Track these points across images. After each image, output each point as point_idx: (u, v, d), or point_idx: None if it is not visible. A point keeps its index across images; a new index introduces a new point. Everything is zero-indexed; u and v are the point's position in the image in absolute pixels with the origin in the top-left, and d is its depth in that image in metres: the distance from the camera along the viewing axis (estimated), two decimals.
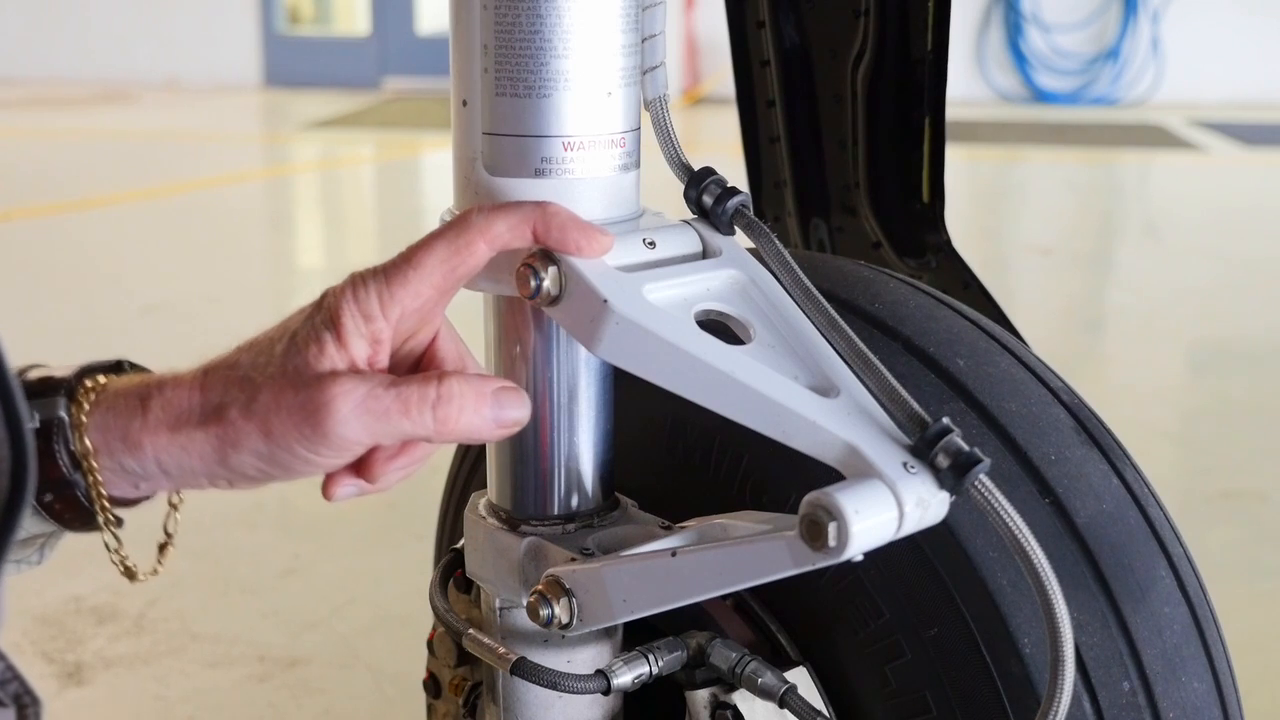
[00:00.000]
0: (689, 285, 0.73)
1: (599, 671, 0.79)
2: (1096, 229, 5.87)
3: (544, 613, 0.76)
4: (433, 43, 10.81)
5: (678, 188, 0.77)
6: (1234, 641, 0.86)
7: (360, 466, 0.72)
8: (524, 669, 0.79)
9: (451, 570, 0.90)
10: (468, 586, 0.89)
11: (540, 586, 0.76)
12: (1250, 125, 8.69)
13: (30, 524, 0.69)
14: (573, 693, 0.80)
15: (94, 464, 0.67)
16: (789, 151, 1.36)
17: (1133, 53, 10.08)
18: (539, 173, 0.73)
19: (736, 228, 0.77)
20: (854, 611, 0.82)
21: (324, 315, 0.68)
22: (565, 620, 0.75)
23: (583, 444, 0.80)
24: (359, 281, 0.69)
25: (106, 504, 0.69)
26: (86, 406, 0.67)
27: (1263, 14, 9.77)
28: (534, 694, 0.84)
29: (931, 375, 0.84)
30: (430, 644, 0.95)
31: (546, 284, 0.70)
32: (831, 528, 0.61)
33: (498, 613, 0.84)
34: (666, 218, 0.78)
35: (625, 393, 0.82)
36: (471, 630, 0.84)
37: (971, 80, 10.09)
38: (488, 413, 0.69)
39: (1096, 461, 0.83)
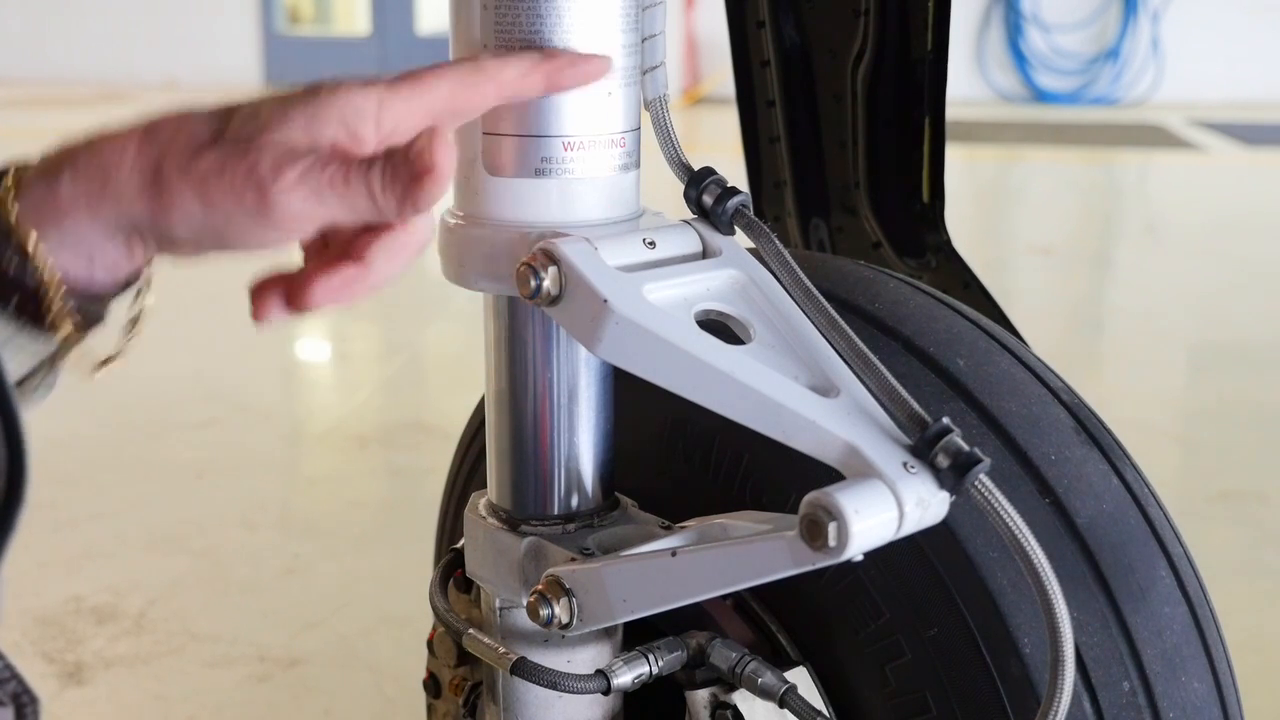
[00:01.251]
0: (689, 285, 0.73)
1: (599, 671, 0.79)
2: (1096, 229, 5.87)
3: (544, 613, 0.76)
4: (433, 43, 10.80)
5: (678, 188, 0.77)
6: (1234, 641, 0.86)
7: (290, 293, 0.69)
8: (524, 669, 0.79)
9: (451, 570, 0.90)
10: (468, 586, 0.89)
11: (540, 586, 0.76)
12: (1250, 125, 8.70)
13: (26, 342, 0.66)
14: (573, 693, 0.80)
15: (37, 247, 0.64)
16: (789, 151, 1.36)
17: (1133, 53, 10.08)
18: (539, 173, 0.73)
19: (736, 228, 0.77)
20: (854, 611, 0.82)
21: (308, 96, 0.65)
22: (565, 620, 0.75)
23: (583, 444, 0.80)
24: (361, 82, 0.66)
25: (56, 291, 0.65)
26: (14, 192, 0.64)
27: (1263, 14, 9.78)
28: (534, 694, 0.84)
29: (931, 375, 0.84)
30: (430, 644, 0.95)
31: (546, 284, 0.70)
32: (831, 528, 0.61)
33: (498, 613, 0.84)
34: (666, 218, 0.78)
35: (625, 393, 0.82)
36: (471, 630, 0.84)
37: (971, 80, 10.09)
38: (407, 172, 0.65)
39: (1096, 461, 0.83)
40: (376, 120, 0.66)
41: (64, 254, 0.65)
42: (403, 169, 0.64)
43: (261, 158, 0.63)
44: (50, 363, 0.68)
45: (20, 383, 0.68)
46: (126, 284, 0.69)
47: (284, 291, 0.69)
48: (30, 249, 0.64)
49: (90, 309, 0.67)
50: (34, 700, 0.59)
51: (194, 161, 0.63)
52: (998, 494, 0.63)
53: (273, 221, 0.64)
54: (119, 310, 0.71)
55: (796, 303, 0.72)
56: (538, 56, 0.70)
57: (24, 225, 0.64)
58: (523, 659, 0.79)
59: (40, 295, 0.65)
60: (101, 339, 0.69)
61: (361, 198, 0.64)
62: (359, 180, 0.64)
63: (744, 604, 0.87)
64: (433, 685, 0.96)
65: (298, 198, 0.63)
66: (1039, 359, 0.89)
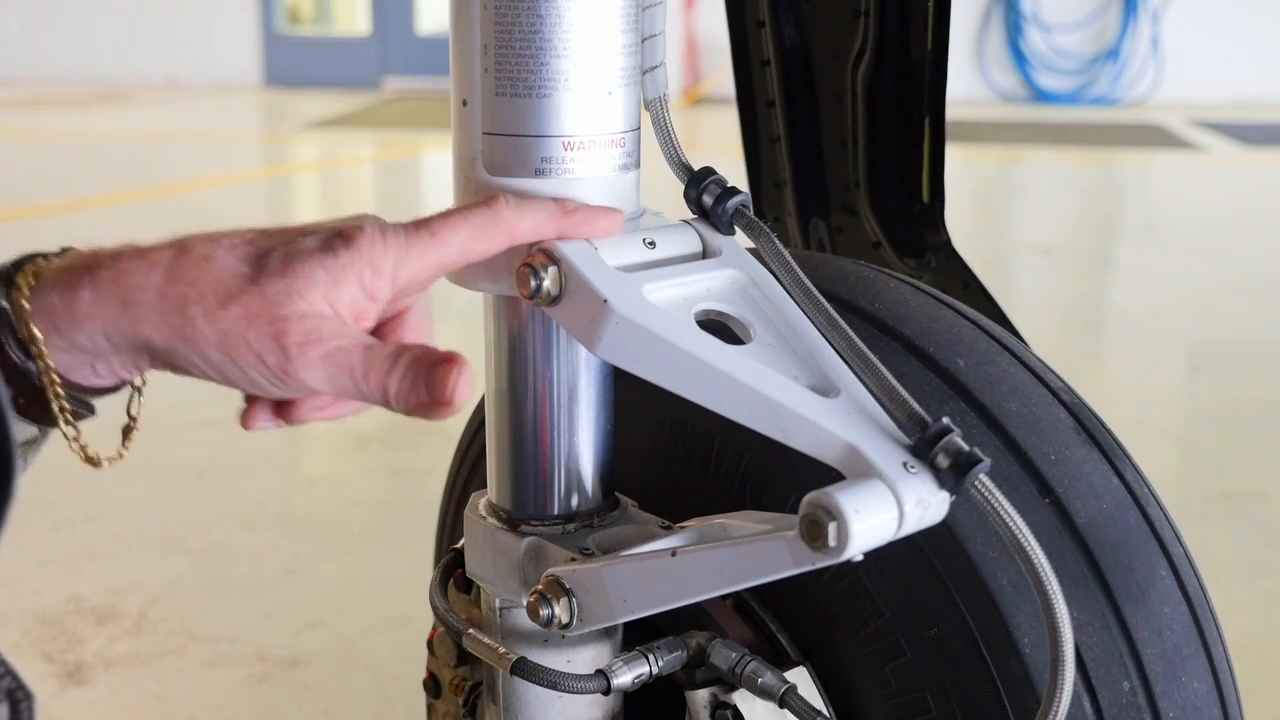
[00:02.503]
0: (689, 285, 0.73)
1: (599, 671, 0.79)
2: (1096, 229, 5.87)
3: (544, 613, 0.76)
4: (433, 43, 10.81)
5: (678, 188, 0.77)
6: (1234, 641, 0.86)
7: (281, 407, 0.71)
8: (524, 669, 0.79)
9: (451, 570, 0.90)
10: (468, 586, 0.89)
11: (540, 586, 0.76)
12: (1250, 125, 8.70)
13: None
14: (573, 693, 0.80)
15: (42, 349, 0.65)
16: (789, 151, 1.36)
17: (1133, 53, 10.09)
18: (539, 173, 0.73)
19: (736, 228, 0.77)
20: (854, 611, 0.82)
21: (330, 248, 0.66)
22: (565, 620, 0.75)
23: (583, 444, 0.80)
24: (381, 231, 0.67)
25: (59, 389, 0.66)
26: (27, 291, 0.65)
27: (1263, 14, 9.78)
28: (534, 694, 0.84)
29: (931, 375, 0.84)
30: (430, 644, 0.95)
31: (546, 284, 0.70)
32: (831, 528, 0.61)
33: (498, 613, 0.84)
34: (666, 218, 0.78)
35: (625, 393, 0.82)
36: (471, 630, 0.84)
37: (971, 80, 10.10)
38: (426, 396, 0.68)
39: (1096, 461, 0.83)
40: (393, 279, 0.68)
41: (68, 357, 0.66)
42: (421, 386, 0.66)
43: (289, 329, 0.65)
44: (32, 446, 0.70)
45: None
46: (122, 383, 0.71)
47: (273, 405, 0.72)
48: (37, 345, 0.65)
49: (80, 407, 0.69)
50: (29, 696, 0.59)
51: (222, 309, 0.65)
52: (998, 494, 0.63)
53: (287, 386, 0.66)
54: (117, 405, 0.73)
55: (796, 303, 0.72)
56: (555, 209, 0.71)
57: (34, 326, 0.65)
58: (523, 659, 0.79)
59: (38, 392, 0.66)
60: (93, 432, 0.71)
61: (376, 392, 0.67)
62: (377, 378, 0.66)
63: (744, 604, 0.87)
64: (433, 685, 0.96)
65: (316, 375, 0.65)
66: (1039, 359, 0.89)
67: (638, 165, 0.78)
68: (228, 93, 10.47)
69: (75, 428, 0.69)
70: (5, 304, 0.65)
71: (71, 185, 6.26)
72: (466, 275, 0.76)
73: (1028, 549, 0.63)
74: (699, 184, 0.77)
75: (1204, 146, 7.88)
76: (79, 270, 0.66)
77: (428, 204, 6.22)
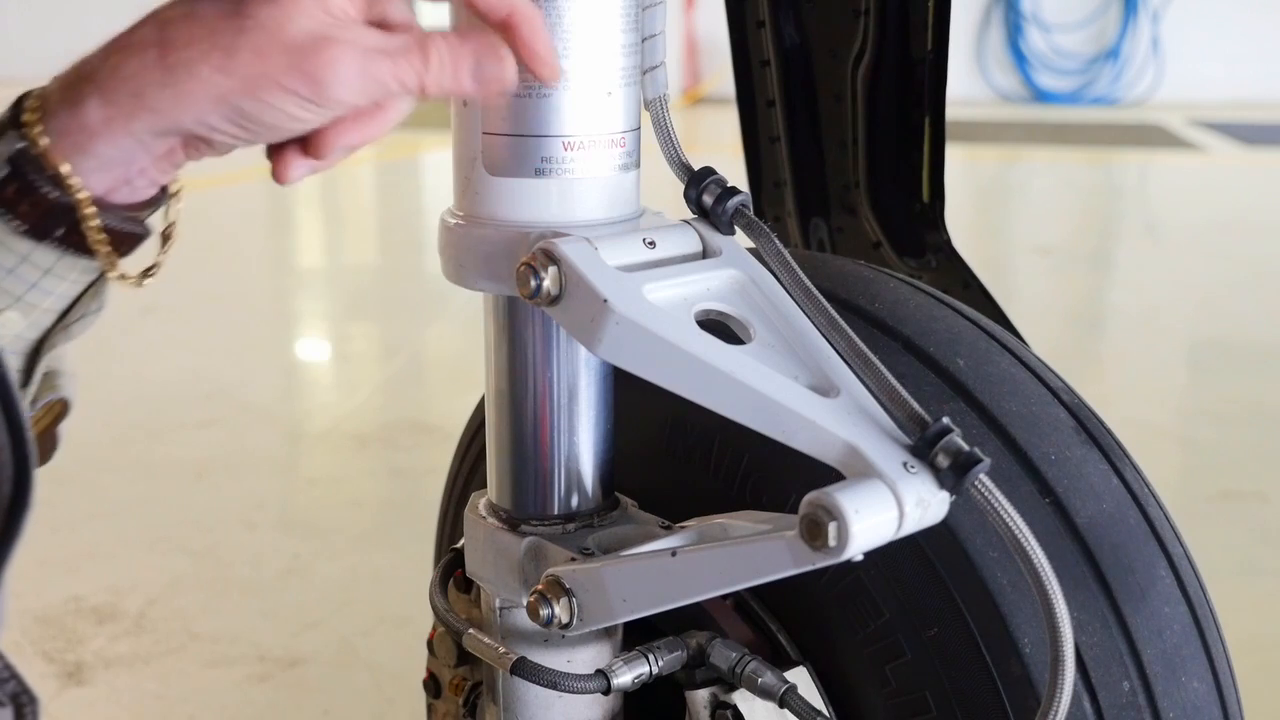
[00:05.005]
0: (689, 285, 0.73)
1: (599, 671, 0.79)
2: (1096, 229, 5.87)
3: (544, 612, 0.76)
4: None
5: (678, 188, 0.77)
6: (1234, 641, 0.86)
7: (309, 144, 0.68)
8: (524, 669, 0.79)
9: (451, 570, 0.90)
10: (468, 586, 0.89)
11: (540, 586, 0.76)
12: (1250, 125, 8.70)
13: (67, 270, 0.66)
14: (573, 692, 0.80)
15: (72, 181, 0.63)
16: (789, 151, 1.36)
17: (1133, 53, 10.09)
18: (539, 172, 0.73)
19: (736, 227, 0.77)
20: (854, 611, 0.82)
21: None
22: (565, 620, 0.75)
23: (583, 444, 0.80)
24: None
25: (93, 220, 0.64)
26: (39, 126, 0.63)
27: (1263, 14, 9.78)
28: (534, 694, 0.84)
29: (931, 375, 0.84)
30: (430, 644, 0.95)
31: (546, 284, 0.70)
32: (831, 527, 0.61)
33: (498, 612, 0.84)
34: (666, 218, 0.78)
35: (625, 393, 0.82)
36: (471, 630, 0.84)
37: (971, 80, 10.09)
38: (467, 67, 0.66)
39: (1096, 461, 0.83)
40: None
41: (100, 176, 0.65)
42: (466, 60, 0.65)
43: (304, 50, 0.62)
44: (95, 286, 0.69)
45: (67, 310, 0.69)
46: (162, 192, 0.69)
47: (301, 146, 0.68)
48: (66, 178, 0.63)
49: (131, 226, 0.67)
50: (33, 700, 0.59)
51: (230, 59, 0.62)
52: (998, 494, 0.63)
53: (322, 109, 0.64)
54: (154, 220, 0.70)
55: (796, 303, 0.72)
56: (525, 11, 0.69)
57: (56, 155, 0.63)
58: (523, 659, 0.79)
59: (79, 221, 0.65)
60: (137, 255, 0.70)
61: (414, 79, 0.64)
62: (414, 64, 0.64)
63: (744, 604, 0.87)
64: (433, 685, 0.96)
65: (351, 85, 0.63)
66: (1039, 359, 0.89)
67: (638, 165, 0.78)
68: None
69: (110, 254, 0.67)
70: (22, 144, 0.63)
71: None
72: (466, 275, 0.76)
73: (1028, 549, 0.63)
74: (699, 184, 0.77)
75: (1204, 146, 7.88)
76: (77, 82, 0.64)
77: (428, 204, 6.22)
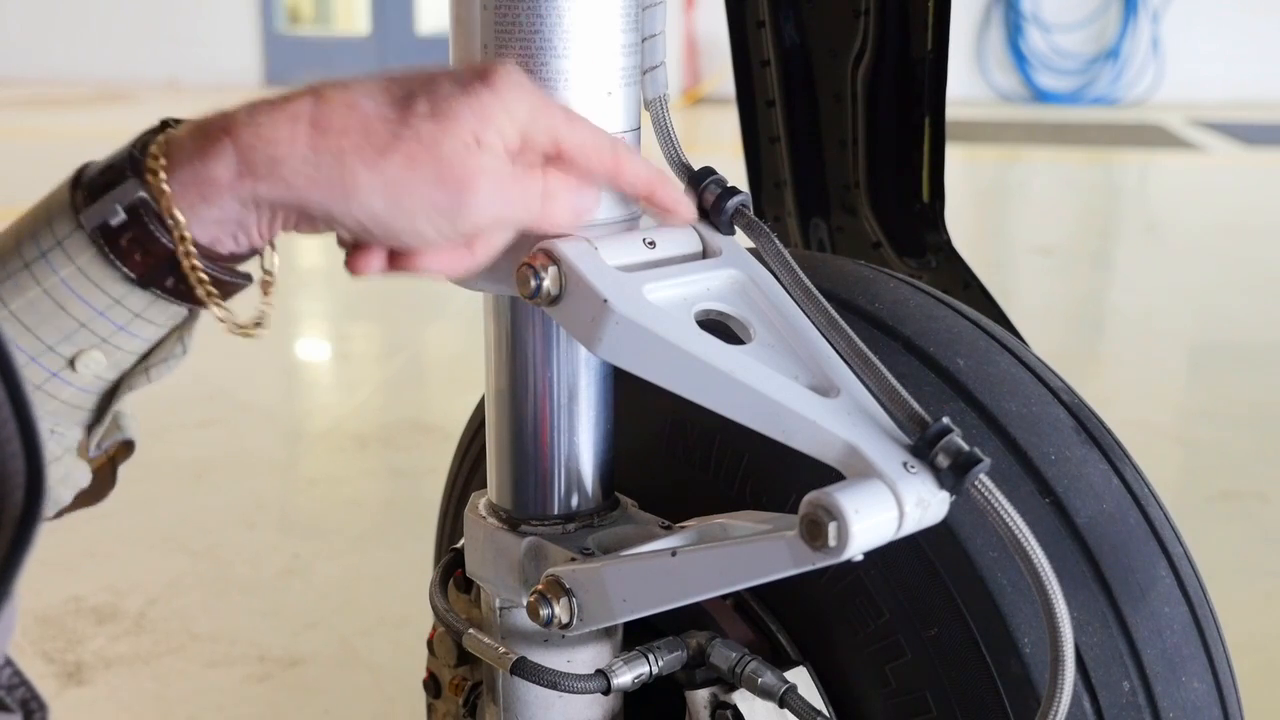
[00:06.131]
0: (689, 285, 0.73)
1: (599, 671, 0.79)
2: (1096, 229, 5.87)
3: (544, 612, 0.76)
4: (433, 43, 10.80)
5: None
6: (1234, 641, 0.86)
7: (400, 256, 0.68)
8: (524, 669, 0.79)
9: (451, 570, 0.90)
10: (468, 586, 0.89)
11: (540, 586, 0.76)
12: (1250, 125, 8.69)
13: (158, 314, 0.66)
14: (573, 692, 0.80)
15: (184, 233, 0.62)
16: (789, 151, 1.36)
17: (1133, 53, 10.08)
18: None
19: (736, 227, 0.77)
20: (854, 611, 0.82)
21: (470, 88, 0.64)
22: (565, 620, 0.75)
23: (583, 444, 0.80)
24: (523, 80, 0.66)
25: (202, 272, 0.64)
26: (162, 173, 0.62)
27: (1263, 14, 9.78)
28: (534, 694, 0.84)
29: (931, 375, 0.84)
30: (430, 644, 0.95)
31: (547, 284, 0.70)
32: (831, 527, 0.61)
33: (498, 612, 0.84)
34: None
35: (625, 393, 0.82)
36: (471, 630, 0.84)
37: (971, 80, 10.09)
38: (574, 205, 0.69)
39: (1096, 461, 0.83)
40: (524, 129, 0.66)
41: (215, 229, 0.64)
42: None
43: (454, 166, 0.63)
44: (181, 329, 0.69)
45: (149, 352, 0.68)
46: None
47: (388, 252, 0.68)
48: (182, 229, 0.63)
49: (230, 275, 0.67)
50: (43, 707, 0.58)
51: (382, 158, 0.62)
52: (998, 494, 0.63)
53: (455, 227, 0.64)
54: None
55: (796, 303, 0.72)
56: (657, 178, 0.73)
57: (174, 205, 0.62)
58: (523, 659, 0.79)
59: (184, 270, 0.64)
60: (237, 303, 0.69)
61: (559, 213, 0.68)
62: (566, 200, 0.68)
63: (744, 604, 0.87)
64: (433, 685, 0.96)
65: (489, 207, 0.64)
66: (1039, 359, 0.89)
67: None
68: (228, 92, 10.44)
69: (225, 308, 0.67)
70: (143, 193, 0.62)
71: None
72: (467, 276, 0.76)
73: (1028, 549, 0.63)
74: (699, 184, 0.77)
75: (1204, 146, 7.88)
76: (214, 135, 0.63)
77: None
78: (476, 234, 0.67)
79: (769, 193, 1.40)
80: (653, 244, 0.74)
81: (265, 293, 0.71)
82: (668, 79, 0.78)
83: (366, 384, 3.43)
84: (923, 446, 0.64)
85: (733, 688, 0.82)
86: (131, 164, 0.63)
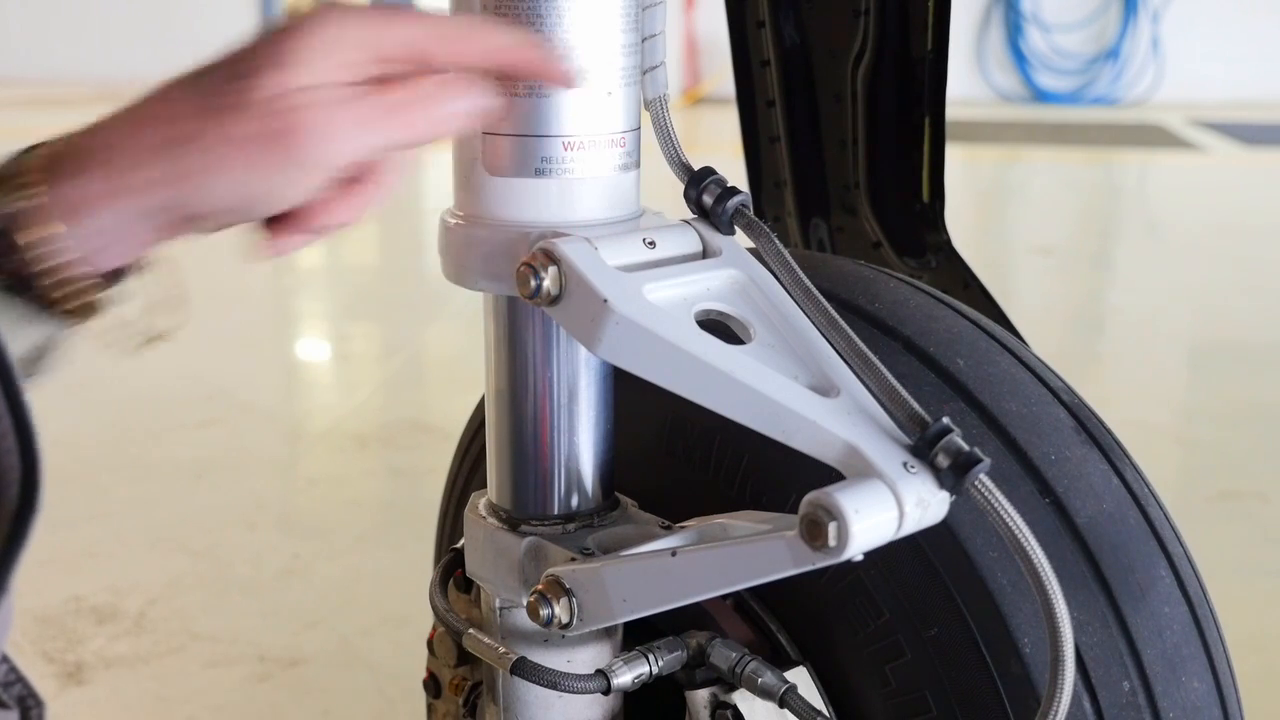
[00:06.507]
0: (689, 285, 0.73)
1: (599, 671, 0.79)
2: (1096, 229, 5.87)
3: (544, 612, 0.76)
4: None
5: (678, 188, 0.77)
6: (1234, 641, 0.86)
7: (299, 218, 0.67)
8: (524, 669, 0.79)
9: (451, 570, 0.90)
10: (468, 586, 0.89)
11: (540, 586, 0.76)
12: (1250, 125, 8.70)
13: (30, 331, 0.65)
14: (573, 692, 0.80)
15: (60, 246, 0.62)
16: (789, 151, 1.36)
17: (1133, 53, 10.08)
18: (539, 172, 0.73)
19: (736, 227, 0.77)
20: (854, 611, 0.82)
21: (285, 34, 0.63)
22: (565, 620, 0.75)
23: (583, 444, 0.80)
24: (344, 8, 0.65)
25: (70, 283, 0.63)
26: (43, 186, 0.62)
27: (1263, 14, 9.78)
28: (534, 694, 0.84)
29: (931, 375, 0.84)
30: (430, 644, 0.95)
31: (546, 284, 0.70)
32: (831, 527, 0.61)
33: (498, 612, 0.84)
34: (666, 218, 0.78)
35: (625, 393, 0.82)
36: (471, 630, 0.84)
37: (971, 80, 10.09)
38: (444, 106, 0.67)
39: (1096, 461, 0.83)
40: (364, 47, 0.64)
41: (95, 242, 0.64)
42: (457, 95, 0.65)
43: (298, 108, 0.62)
44: (51, 346, 0.68)
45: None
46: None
47: (292, 220, 0.68)
48: (50, 241, 0.62)
49: (106, 292, 0.66)
50: (39, 703, 0.59)
51: (225, 126, 0.62)
52: (998, 494, 0.63)
53: (305, 164, 0.63)
54: (150, 286, 0.70)
55: (796, 303, 0.72)
56: (515, 40, 0.69)
57: (49, 218, 0.62)
58: (523, 659, 0.79)
59: (58, 286, 0.64)
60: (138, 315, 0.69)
61: (419, 130, 0.65)
62: (416, 111, 0.64)
63: (744, 604, 0.87)
64: (433, 685, 0.96)
65: (351, 138, 0.63)
66: (1039, 359, 0.89)
67: (638, 165, 0.78)
68: None
69: (86, 316, 0.66)
70: (23, 205, 0.62)
71: None
72: (466, 275, 0.76)
73: (1028, 549, 0.63)
74: (699, 184, 0.77)
75: (1204, 146, 7.88)
76: (70, 156, 0.63)
77: (428, 204, 6.22)
78: (346, 174, 0.65)
79: (769, 193, 1.40)
80: (653, 244, 0.74)
81: (166, 307, 0.70)
82: (668, 79, 0.78)
83: (366, 384, 3.43)
84: (923, 446, 0.64)
85: (733, 688, 0.82)
86: (11, 172, 0.63)
